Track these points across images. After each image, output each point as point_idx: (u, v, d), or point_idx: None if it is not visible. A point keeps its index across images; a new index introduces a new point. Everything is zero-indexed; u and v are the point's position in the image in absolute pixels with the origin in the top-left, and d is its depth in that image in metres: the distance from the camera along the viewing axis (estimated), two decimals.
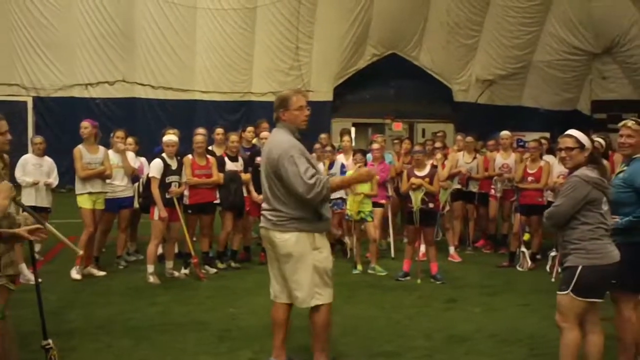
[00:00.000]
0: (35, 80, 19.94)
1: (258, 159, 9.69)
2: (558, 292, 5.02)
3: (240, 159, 10.08)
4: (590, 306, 4.99)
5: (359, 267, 9.86)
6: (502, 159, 11.45)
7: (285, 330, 5.54)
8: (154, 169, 8.98)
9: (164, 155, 9.10)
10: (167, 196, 8.95)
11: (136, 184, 9.86)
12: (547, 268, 9.70)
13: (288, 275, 5.32)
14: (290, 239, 5.23)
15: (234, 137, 10.20)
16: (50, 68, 19.97)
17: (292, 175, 5.09)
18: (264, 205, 5.48)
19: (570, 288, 4.89)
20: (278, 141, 5.30)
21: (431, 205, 9.25)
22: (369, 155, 10.77)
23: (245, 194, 9.99)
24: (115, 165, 9.69)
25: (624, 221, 5.29)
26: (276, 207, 5.26)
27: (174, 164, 9.08)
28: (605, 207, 4.99)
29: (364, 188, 9.74)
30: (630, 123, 5.56)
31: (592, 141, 5.13)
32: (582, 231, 4.90)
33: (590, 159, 5.03)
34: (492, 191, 11.41)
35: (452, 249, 11.07)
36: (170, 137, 9.22)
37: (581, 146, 5.02)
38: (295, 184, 5.07)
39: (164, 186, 8.95)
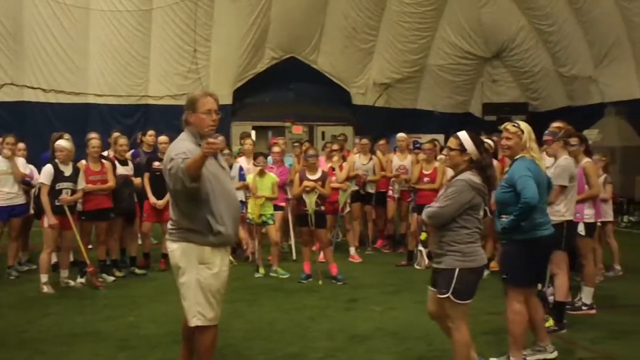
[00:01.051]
0: None
1: (156, 163, 9.60)
2: (438, 295, 5.15)
3: (130, 163, 9.91)
4: (468, 306, 5.16)
5: (261, 270, 9.86)
6: (399, 161, 11.71)
7: (193, 345, 5.12)
8: (44, 175, 8.68)
9: (56, 161, 8.81)
10: (57, 203, 8.65)
11: (32, 190, 9.50)
12: (415, 265, 10.03)
13: (180, 288, 4.91)
14: (177, 250, 4.84)
15: (122, 140, 10.05)
16: None
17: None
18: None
19: (450, 291, 5.04)
20: (173, 147, 4.85)
21: (323, 207, 9.37)
22: (270, 158, 10.79)
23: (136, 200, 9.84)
24: (4, 172, 9.32)
25: (508, 220, 5.52)
26: (172, 216, 4.94)
27: (67, 170, 8.78)
28: (481, 213, 5.18)
29: (265, 191, 9.75)
30: (509, 126, 5.80)
31: (481, 145, 5.26)
32: (460, 234, 5.05)
33: (475, 164, 5.16)
34: (390, 192, 11.64)
35: (352, 250, 11.23)
36: (60, 142, 8.94)
37: (462, 149, 5.17)
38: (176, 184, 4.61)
39: (54, 193, 8.65)
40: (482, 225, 5.22)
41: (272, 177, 10.02)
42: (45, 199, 8.58)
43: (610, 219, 10.04)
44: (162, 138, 10.28)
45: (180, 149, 4.73)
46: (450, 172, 10.08)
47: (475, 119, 23.48)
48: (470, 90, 24.28)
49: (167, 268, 10.02)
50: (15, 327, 7.03)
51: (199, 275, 4.78)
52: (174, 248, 4.84)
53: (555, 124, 7.40)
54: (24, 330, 6.94)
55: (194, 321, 4.82)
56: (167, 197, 9.65)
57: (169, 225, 5.01)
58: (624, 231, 14.31)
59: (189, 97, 5.04)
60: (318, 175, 9.47)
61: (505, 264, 5.85)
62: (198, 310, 4.81)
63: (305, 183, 9.32)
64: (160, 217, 9.86)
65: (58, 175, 8.68)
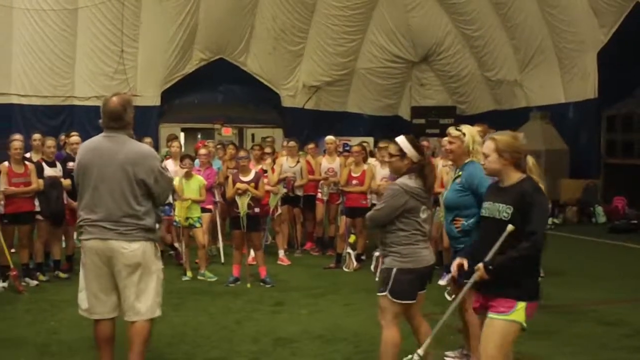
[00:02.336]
0: None
1: (70, 164, 9.45)
2: (377, 293, 5.25)
3: (58, 164, 9.71)
4: (407, 307, 5.25)
5: (189, 273, 9.79)
6: (328, 163, 11.79)
7: (113, 347, 5.26)
8: None
9: None
10: None
11: None
12: (372, 268, 10.06)
13: (131, 287, 5.04)
14: (139, 249, 5.03)
15: (50, 142, 9.87)
16: None
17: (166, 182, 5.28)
18: (96, 216, 5.06)
19: (387, 290, 5.14)
20: (137, 147, 5.22)
21: (257, 210, 9.34)
22: (197, 161, 10.71)
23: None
24: None
25: (469, 223, 5.59)
26: (125, 216, 5.01)
27: None
28: (423, 215, 5.26)
29: (192, 194, 9.69)
30: (451, 130, 5.93)
31: (420, 148, 5.37)
32: (398, 236, 5.17)
33: (413, 168, 5.26)
34: (319, 194, 11.71)
35: (281, 252, 11.26)
36: None
37: (402, 154, 5.27)
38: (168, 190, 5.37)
39: None
40: (425, 227, 5.28)
41: (199, 179, 9.96)
42: None
43: None
44: (75, 139, 10.14)
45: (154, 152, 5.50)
46: (379, 175, 10.38)
47: (403, 122, 23.80)
48: (399, 93, 24.58)
49: None
50: None
51: (157, 270, 5.21)
52: (135, 247, 5.01)
53: (477, 128, 7.55)
54: None
55: (158, 312, 5.23)
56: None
57: (117, 227, 5.00)
58: (547, 233, 14.69)
59: (128, 100, 5.31)
60: (251, 177, 9.44)
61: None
62: (158, 302, 5.22)
63: (238, 185, 9.28)
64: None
65: None
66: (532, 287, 4.33)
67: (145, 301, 5.10)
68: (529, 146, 14.73)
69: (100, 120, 5.25)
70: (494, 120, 17.10)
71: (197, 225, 9.85)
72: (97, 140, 5.29)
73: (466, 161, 5.79)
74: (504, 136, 4.48)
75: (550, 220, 16.42)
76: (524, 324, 4.26)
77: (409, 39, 23.22)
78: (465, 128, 5.89)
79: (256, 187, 9.32)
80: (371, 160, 11.75)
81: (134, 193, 5.03)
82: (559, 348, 6.65)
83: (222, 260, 10.88)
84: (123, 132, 5.18)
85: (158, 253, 5.28)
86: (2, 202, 8.91)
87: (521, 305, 4.25)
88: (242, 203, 9.22)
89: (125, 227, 5.01)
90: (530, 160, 4.41)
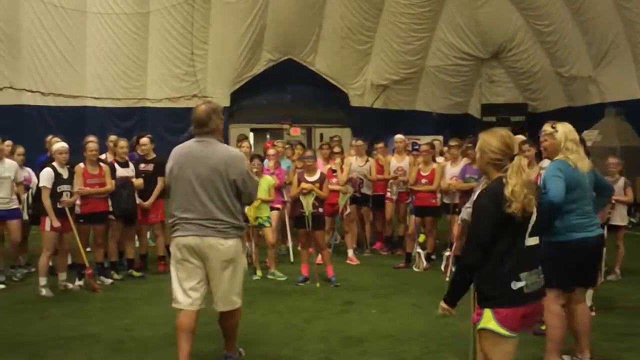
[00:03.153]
0: None
1: (142, 165, 9.86)
2: None
3: (130, 165, 9.92)
4: None
5: (259, 272, 9.86)
6: (397, 162, 11.69)
7: (193, 336, 5.58)
8: (45, 178, 8.67)
9: (54, 164, 8.80)
10: (59, 206, 8.68)
11: (25, 195, 9.49)
12: (442, 267, 9.97)
13: (225, 280, 5.49)
14: (232, 246, 5.46)
15: (122, 143, 10.09)
16: None
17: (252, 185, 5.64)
18: (193, 214, 5.42)
19: None
20: (227, 151, 5.65)
21: (321, 210, 9.35)
22: (266, 161, 10.79)
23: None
24: None
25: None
26: (219, 216, 5.41)
27: (64, 173, 8.80)
28: None
29: (261, 193, 9.74)
30: (546, 126, 5.90)
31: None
32: None
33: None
34: (388, 194, 11.63)
35: (350, 252, 11.22)
36: (63, 144, 8.94)
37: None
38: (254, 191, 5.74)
39: (55, 196, 8.67)
40: None
41: (268, 179, 10.02)
42: (47, 202, 8.59)
43: (623, 223, 9.87)
44: (144, 140, 10.35)
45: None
46: (449, 174, 10.24)
47: (473, 120, 23.51)
48: (469, 91, 24.29)
49: (166, 270, 10.06)
50: (12, 330, 7.03)
51: (243, 265, 5.82)
52: (230, 244, 5.44)
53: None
54: (20, 334, 6.94)
55: (239, 302, 5.71)
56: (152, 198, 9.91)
57: (216, 225, 5.40)
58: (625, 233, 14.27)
59: (215, 108, 5.65)
60: (316, 177, 9.45)
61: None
62: (238, 293, 5.66)
63: (303, 185, 9.32)
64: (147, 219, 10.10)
65: (57, 178, 8.70)
66: (496, 293, 4.06)
67: (235, 293, 5.63)
68: (604, 143, 14.27)
69: (191, 127, 5.65)
70: (567, 117, 16.45)
71: (267, 224, 9.91)
72: (189, 144, 5.67)
73: (556, 158, 5.71)
74: (486, 134, 4.30)
75: (626, 220, 15.92)
76: (499, 330, 4.01)
77: (478, 36, 22.91)
78: (560, 125, 5.76)
79: (321, 188, 9.31)
80: (440, 159, 11.62)
81: (227, 193, 5.44)
82: (637, 351, 6.43)
83: (292, 259, 10.92)
84: (212, 136, 5.57)
85: (244, 248, 5.82)
86: (78, 202, 9.15)
87: (487, 312, 4.07)
88: (307, 203, 9.27)
89: (223, 225, 5.42)
90: (517, 160, 4.15)
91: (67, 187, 8.80)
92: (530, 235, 4.08)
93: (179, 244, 5.49)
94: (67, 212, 8.81)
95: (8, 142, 9.87)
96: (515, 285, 4.01)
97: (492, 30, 22.54)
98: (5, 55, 19.18)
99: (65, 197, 8.77)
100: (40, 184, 8.73)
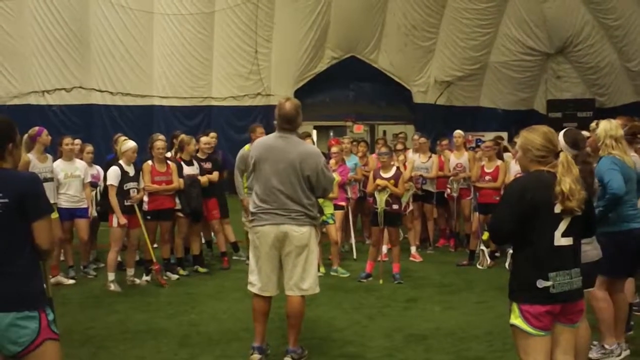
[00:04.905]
0: None
1: (205, 164, 10.16)
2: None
3: (195, 163, 10.06)
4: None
5: (322, 269, 9.87)
6: (456, 159, 11.60)
7: (267, 319, 6.00)
8: (112, 176, 8.89)
9: (121, 162, 9.01)
10: (126, 203, 8.89)
11: (93, 192, 9.73)
12: (506, 265, 9.83)
13: (298, 266, 5.78)
14: (307, 232, 5.77)
15: (194, 141, 10.21)
16: (5, 75, 19.59)
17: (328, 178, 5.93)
18: (270, 205, 5.76)
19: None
20: (305, 146, 5.98)
21: (395, 206, 9.32)
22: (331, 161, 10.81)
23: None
24: (70, 175, 9.51)
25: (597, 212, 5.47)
26: (295, 206, 5.74)
27: (131, 171, 9.00)
28: None
29: None
30: (592, 124, 5.92)
31: None
32: None
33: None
34: (448, 190, 11.52)
35: (413, 249, 11.18)
36: (133, 143, 9.14)
37: None
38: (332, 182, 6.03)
39: (122, 193, 8.88)
40: None
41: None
42: (114, 200, 8.80)
43: None
44: (204, 139, 10.49)
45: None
46: (513, 171, 10.09)
47: (539, 115, 23.07)
48: (534, 86, 23.87)
49: (229, 267, 10.22)
50: (81, 324, 7.22)
51: (317, 252, 6.15)
52: (304, 231, 5.76)
53: (618, 121, 7.23)
54: (90, 327, 7.13)
55: (317, 288, 6.02)
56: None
57: (289, 213, 5.73)
58: None
59: (297, 105, 5.94)
60: (391, 173, 9.44)
61: None
62: (312, 280, 5.91)
63: (377, 181, 9.36)
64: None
65: (124, 176, 8.91)
66: (520, 288, 4.04)
67: (308, 279, 5.86)
68: None
69: (275, 122, 6.01)
70: (636, 112, 16.19)
71: (330, 221, 9.93)
72: (271, 138, 6.03)
73: (600, 155, 5.82)
74: (527, 132, 4.23)
75: None
76: (525, 327, 3.98)
77: (544, 31, 22.47)
78: (601, 123, 5.88)
79: (396, 185, 9.30)
80: (506, 155, 11.45)
81: (302, 187, 5.75)
82: None
83: (355, 256, 10.92)
84: (294, 133, 5.93)
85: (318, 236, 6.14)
86: (146, 200, 9.35)
87: (514, 307, 4.06)
88: (381, 199, 9.28)
89: (297, 214, 5.75)
90: (563, 157, 4.07)
91: (134, 185, 9.00)
92: (564, 235, 4.01)
93: (257, 232, 5.84)
94: (136, 209, 9.01)
95: (78, 141, 10.12)
96: (541, 283, 3.96)
97: (558, 25, 22.09)
98: (75, 56, 19.71)
99: (134, 194, 8.97)
100: (107, 182, 8.93)
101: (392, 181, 9.32)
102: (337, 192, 10.06)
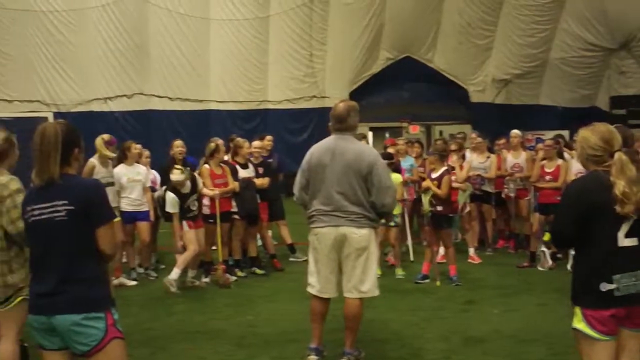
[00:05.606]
0: (55, 96, 20.11)
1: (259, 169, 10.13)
2: None
3: (250, 165, 10.14)
4: None
5: (378, 270, 9.79)
6: (513, 159, 11.41)
7: (324, 320, 6.01)
8: (169, 205, 9.00)
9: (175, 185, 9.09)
10: (190, 214, 9.01)
11: (157, 197, 9.80)
12: (568, 267, 9.59)
13: (358, 268, 5.76)
14: (366, 234, 5.75)
15: (246, 144, 10.29)
16: (69, 83, 20.13)
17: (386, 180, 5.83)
18: (329, 207, 5.77)
19: None
20: (362, 147, 6.01)
21: (439, 208, 9.22)
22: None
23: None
24: (132, 179, 9.70)
25: None
26: (354, 209, 5.72)
27: (185, 189, 9.03)
28: None
29: None
30: None
31: None
32: None
33: None
34: (505, 190, 11.34)
35: (471, 251, 11.05)
36: (180, 175, 9.02)
37: None
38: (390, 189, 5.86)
39: (185, 209, 9.00)
40: None
41: (396, 177, 9.88)
42: (178, 227, 9.00)
43: None
44: (256, 143, 10.57)
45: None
46: (574, 169, 9.87)
47: (602, 113, 22.51)
48: (596, 83, 23.29)
49: (282, 268, 10.26)
50: (142, 325, 7.36)
51: (376, 254, 6.13)
52: (363, 233, 5.75)
53: None
54: (150, 328, 7.27)
55: (377, 291, 5.97)
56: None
57: (346, 215, 5.72)
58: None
59: (353, 106, 5.97)
60: (438, 174, 9.38)
61: None
62: (372, 282, 5.87)
63: (423, 183, 9.32)
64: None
65: (182, 197, 8.99)
66: (582, 291, 3.91)
67: (368, 281, 5.83)
68: None
69: (330, 123, 6.03)
70: None
71: (391, 223, 9.87)
72: (329, 140, 5.99)
73: None
74: (585, 130, 4.09)
75: None
76: (587, 331, 3.84)
77: (605, 26, 21.89)
78: None
79: (439, 186, 9.21)
80: (567, 154, 11.22)
81: (361, 188, 5.72)
82: None
83: (412, 258, 10.85)
84: (349, 133, 5.92)
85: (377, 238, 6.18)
86: (207, 203, 9.45)
87: (576, 310, 3.93)
88: (425, 200, 9.24)
89: (356, 216, 5.73)
90: (618, 157, 3.92)
91: (192, 198, 9.09)
92: (628, 236, 3.86)
93: (317, 234, 5.86)
94: (218, 208, 9.30)
95: (138, 146, 10.29)
96: (605, 287, 3.83)
97: (620, 19, 21.49)
98: (135, 63, 20.15)
99: (214, 192, 9.22)
100: (168, 210, 9.06)
101: (435, 182, 9.24)
102: (401, 192, 9.99)
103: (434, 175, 9.35)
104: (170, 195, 9.01)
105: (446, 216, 9.37)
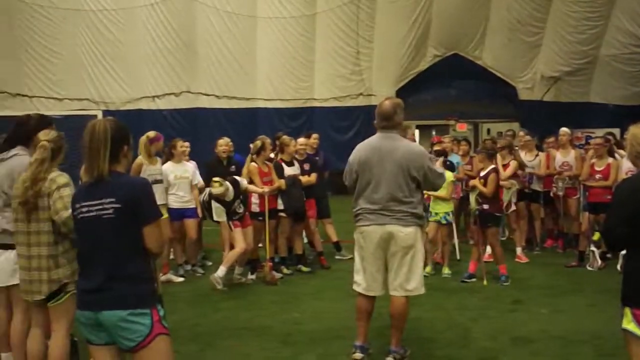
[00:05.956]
0: (104, 94, 20.48)
1: (305, 165, 10.16)
2: None
3: (295, 163, 10.16)
4: None
5: (428, 269, 9.73)
6: (562, 157, 11.23)
7: (370, 318, 6.01)
8: (217, 214, 9.19)
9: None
10: (237, 217, 9.08)
11: (201, 196, 9.75)
12: (618, 267, 9.45)
13: (404, 266, 5.75)
14: (412, 232, 5.74)
15: (293, 142, 10.30)
16: (118, 82, 20.47)
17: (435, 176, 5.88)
18: (375, 205, 5.77)
19: None
20: (409, 145, 5.95)
21: (485, 206, 9.13)
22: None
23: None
24: (180, 177, 9.81)
25: None
26: (401, 207, 5.72)
27: (229, 196, 9.01)
28: None
29: (441, 191, 9.56)
30: None
31: None
32: None
33: None
34: (554, 189, 11.18)
35: (519, 250, 10.93)
36: (219, 190, 8.97)
37: None
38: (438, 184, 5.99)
39: (231, 213, 9.06)
40: None
41: (448, 175, 9.74)
42: (225, 235, 9.12)
43: None
44: (301, 140, 10.59)
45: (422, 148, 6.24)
46: (625, 168, 9.68)
47: None
48: None
49: (328, 266, 10.28)
50: (189, 321, 7.45)
51: (422, 252, 6.01)
52: (409, 231, 5.74)
53: None
54: (197, 324, 7.35)
55: (423, 289, 5.94)
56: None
57: (393, 214, 5.71)
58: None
59: (398, 103, 5.96)
60: (485, 172, 9.31)
61: None
62: (418, 280, 5.85)
63: (471, 181, 9.26)
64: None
65: (227, 203, 9.05)
66: (632, 292, 3.89)
67: (414, 279, 5.82)
68: None
69: (375, 121, 5.99)
70: None
71: (443, 221, 9.83)
72: (374, 139, 5.98)
73: None
74: (636, 127, 4.01)
75: None
76: (637, 332, 3.82)
77: None
78: None
79: (485, 184, 9.13)
80: (617, 154, 11.01)
81: (408, 186, 5.73)
82: None
83: (458, 256, 10.77)
84: (395, 131, 5.91)
85: (423, 236, 6.13)
86: (256, 201, 9.50)
87: (626, 311, 3.90)
88: (473, 199, 9.17)
89: (402, 214, 5.73)
90: None
91: (237, 202, 9.11)
92: None
93: (363, 232, 5.87)
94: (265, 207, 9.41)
95: (185, 144, 10.37)
96: None
97: None
98: (183, 61, 20.40)
99: (263, 190, 9.30)
100: (216, 219, 9.26)
101: (481, 181, 9.17)
102: (451, 191, 9.93)
103: (483, 173, 9.28)
104: (215, 205, 9.12)
105: (492, 215, 9.28)
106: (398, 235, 5.71)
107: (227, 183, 8.94)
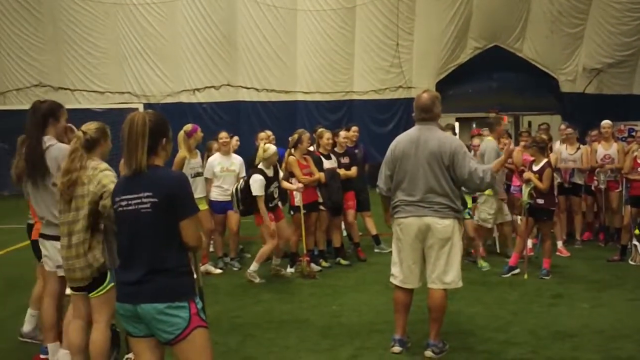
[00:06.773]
0: (145, 88, 20.77)
1: (343, 159, 10.17)
2: None
3: (333, 156, 10.15)
4: None
5: (483, 263, 9.69)
6: (604, 150, 11.07)
7: (408, 311, 6.05)
8: (258, 188, 8.80)
9: (261, 166, 9.00)
10: (271, 205, 9.06)
11: (232, 188, 9.49)
12: None
13: (442, 259, 5.77)
14: (450, 225, 5.75)
15: (327, 135, 10.25)
16: (159, 75, 20.75)
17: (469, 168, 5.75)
18: (413, 197, 5.80)
19: None
20: (445, 136, 5.94)
21: (540, 201, 9.04)
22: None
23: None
24: (225, 169, 9.84)
25: None
26: (439, 199, 5.74)
27: (270, 172, 9.05)
28: None
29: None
30: None
31: None
32: None
33: None
34: (595, 182, 11.03)
35: (559, 244, 10.81)
36: (274, 147, 9.13)
37: None
38: (473, 177, 5.75)
39: (267, 197, 8.97)
40: None
41: None
42: (262, 208, 8.82)
43: None
44: (343, 133, 10.56)
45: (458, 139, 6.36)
46: None
47: None
48: None
49: (365, 258, 10.28)
50: (229, 313, 7.53)
51: (461, 246, 5.97)
52: (447, 224, 5.75)
53: None
54: (237, 316, 7.43)
55: (460, 283, 5.94)
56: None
57: (431, 206, 5.74)
58: None
59: (435, 96, 6.00)
60: (539, 166, 9.21)
61: None
62: (456, 273, 5.86)
63: (524, 174, 9.21)
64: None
65: (267, 180, 8.94)
66: None
67: (452, 272, 5.82)
68: None
69: (413, 114, 6.03)
70: None
71: (466, 216, 9.73)
72: (412, 131, 6.00)
73: None
74: None
75: None
76: None
77: None
78: None
79: (540, 179, 9.04)
80: None
81: (445, 178, 5.74)
82: None
83: (498, 250, 10.70)
84: (433, 123, 5.96)
85: (462, 229, 6.08)
86: (299, 195, 9.51)
87: None
88: (525, 192, 9.10)
89: (440, 206, 5.75)
90: None
91: (275, 185, 9.15)
92: None
93: (401, 224, 5.89)
94: (279, 204, 9.29)
95: (223, 135, 10.26)
96: None
97: None
98: (223, 55, 20.58)
99: (297, 186, 9.28)
100: (254, 193, 8.83)
101: (536, 175, 9.08)
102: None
103: (535, 167, 9.18)
104: (257, 177, 8.85)
105: (547, 209, 9.19)
106: (435, 227, 5.72)
107: (275, 149, 9.08)
